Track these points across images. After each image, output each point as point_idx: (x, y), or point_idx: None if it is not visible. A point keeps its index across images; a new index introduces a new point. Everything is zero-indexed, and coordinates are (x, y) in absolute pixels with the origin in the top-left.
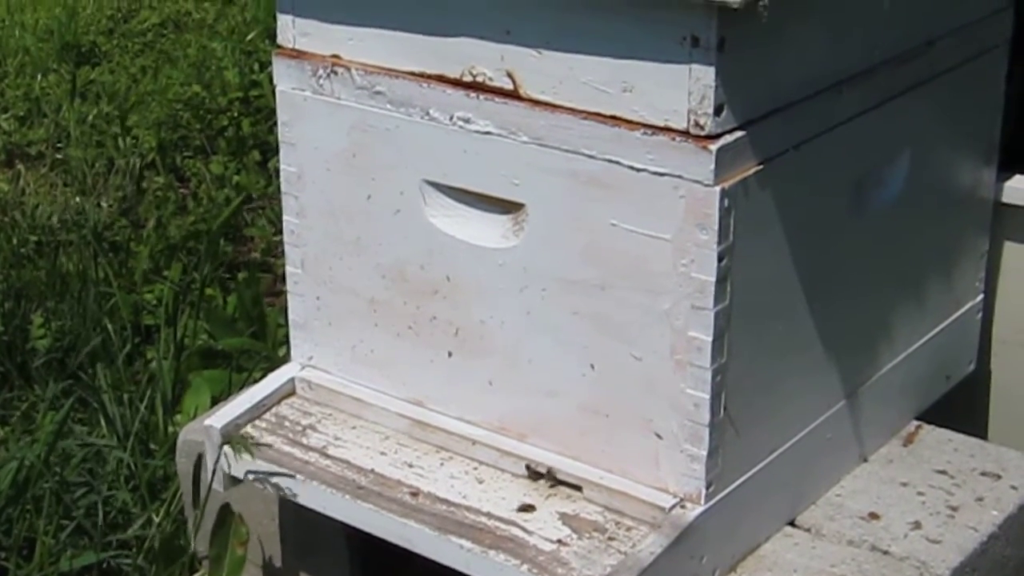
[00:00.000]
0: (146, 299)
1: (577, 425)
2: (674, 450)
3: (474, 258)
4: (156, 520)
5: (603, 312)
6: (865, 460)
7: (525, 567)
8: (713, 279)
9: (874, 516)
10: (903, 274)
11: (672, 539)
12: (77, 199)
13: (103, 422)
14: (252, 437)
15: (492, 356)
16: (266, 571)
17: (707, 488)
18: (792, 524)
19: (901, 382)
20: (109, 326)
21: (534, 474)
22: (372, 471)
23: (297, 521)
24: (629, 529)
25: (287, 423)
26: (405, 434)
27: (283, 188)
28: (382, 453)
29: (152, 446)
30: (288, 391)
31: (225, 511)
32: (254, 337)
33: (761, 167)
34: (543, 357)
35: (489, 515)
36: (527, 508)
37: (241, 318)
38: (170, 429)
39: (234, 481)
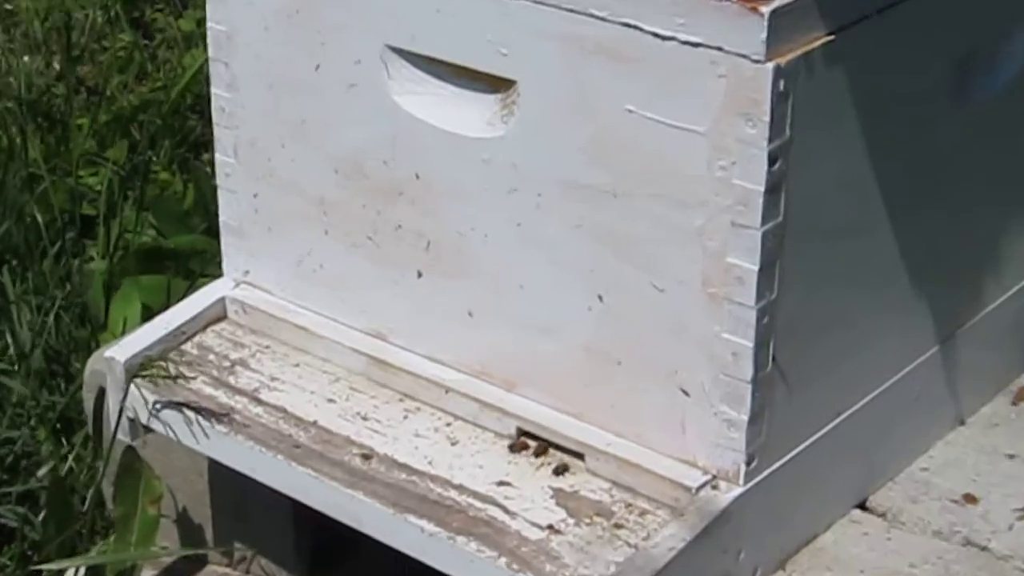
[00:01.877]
0: (87, 184)
1: (580, 373)
2: (705, 412)
3: (450, 150)
4: (68, 466)
5: (615, 227)
6: (962, 423)
7: (502, 560)
8: (761, 188)
9: (970, 499)
10: (1014, 186)
11: (699, 530)
12: (25, 58)
13: (10, 339)
14: (166, 372)
15: (473, 279)
16: (190, 538)
17: (748, 463)
18: (862, 507)
19: (1010, 324)
20: (38, 216)
21: (524, 436)
22: (315, 424)
23: (230, 479)
24: (643, 514)
25: (212, 357)
26: (361, 376)
27: (210, 52)
28: (330, 401)
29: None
30: (216, 315)
31: (131, 462)
32: (210, 235)
33: (831, 38)
34: (537, 283)
35: (461, 488)
36: (509, 483)
37: (198, 212)
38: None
39: (145, 430)
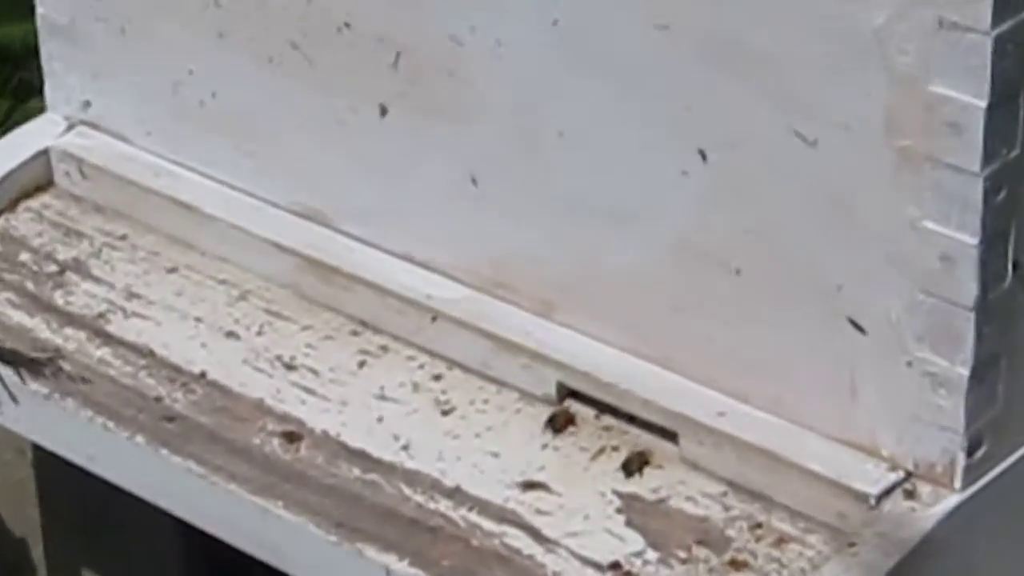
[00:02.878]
0: None
1: (668, 288)
2: (893, 360)
3: None
4: None
5: (730, 29)
6: None
7: None
8: None
9: None
10: None
11: (887, 569)
12: None
13: None
14: None
15: (476, 120)
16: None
17: (969, 451)
18: None
19: None
20: None
21: (570, 398)
22: (203, 378)
23: (71, 471)
24: (780, 543)
25: (26, 256)
26: (285, 290)
27: None
28: (229, 335)
29: None
30: (33, 180)
31: None
32: None
33: None
34: (591, 128)
35: (460, 495)
36: (539, 485)
37: None
38: None
39: None
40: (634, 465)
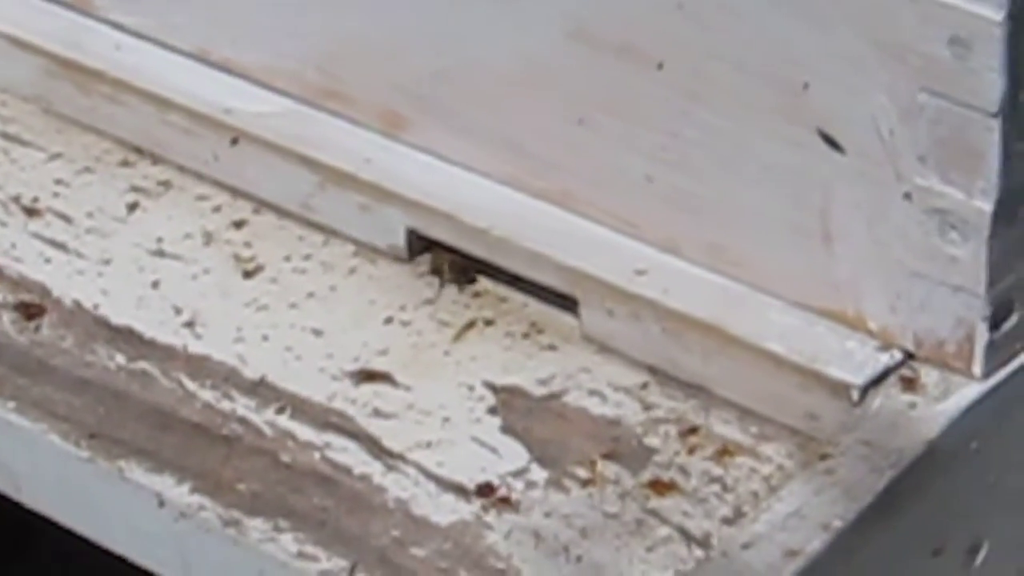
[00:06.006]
0: None
1: (564, 93)
2: (885, 194)
3: None
4: None
5: None
6: None
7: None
8: None
9: None
10: None
11: (867, 502)
12: None
13: None
14: None
15: None
16: None
17: (994, 322)
18: None
19: None
20: None
21: (421, 253)
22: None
23: None
24: (723, 454)
25: None
26: (28, 103)
27: None
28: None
29: None
30: None
31: None
32: None
33: None
34: None
35: (264, 391)
36: (379, 375)
37: None
38: None
39: None
40: (514, 345)
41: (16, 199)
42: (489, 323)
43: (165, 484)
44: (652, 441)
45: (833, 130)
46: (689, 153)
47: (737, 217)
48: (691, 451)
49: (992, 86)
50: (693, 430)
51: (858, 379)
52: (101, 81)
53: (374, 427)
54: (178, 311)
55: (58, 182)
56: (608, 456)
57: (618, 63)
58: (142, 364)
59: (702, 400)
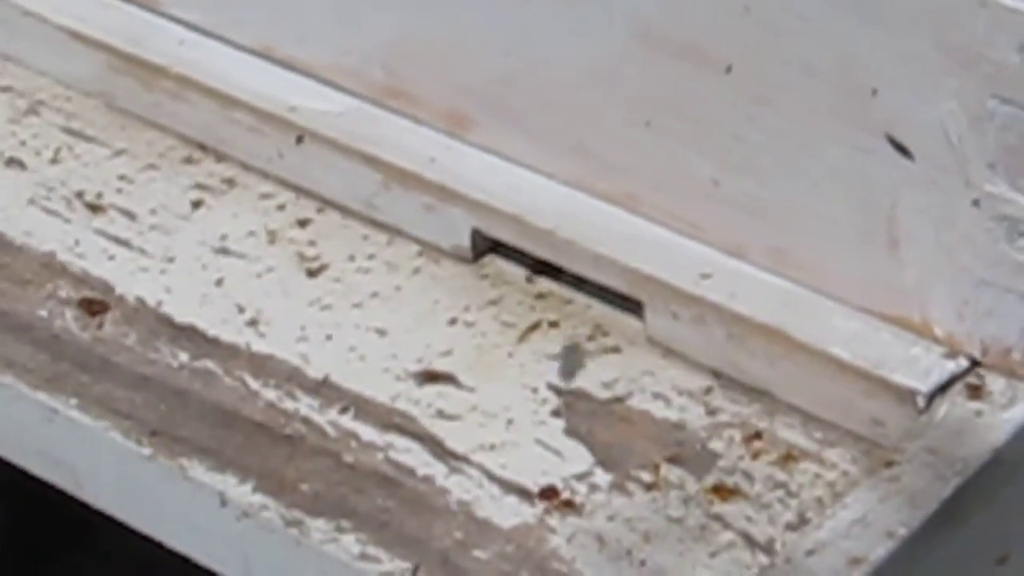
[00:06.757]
0: None
1: (632, 96)
2: (953, 200)
3: None
4: None
5: None
6: None
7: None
8: None
9: None
10: None
11: (932, 509)
12: None
13: None
14: None
15: None
16: None
17: None
18: None
19: None
20: None
21: (486, 253)
22: None
23: None
24: (788, 460)
25: None
26: (91, 98)
27: None
28: (11, 163)
29: None
30: None
31: None
32: None
33: None
34: None
35: (327, 391)
36: (443, 376)
37: None
38: None
39: None
40: (580, 350)
41: (80, 195)
42: (553, 325)
43: (227, 483)
44: (716, 445)
45: (901, 136)
46: (755, 157)
47: (803, 222)
48: (755, 456)
49: None
50: (757, 435)
51: (924, 386)
52: (165, 77)
53: (437, 428)
54: (241, 309)
55: (122, 178)
56: (672, 460)
57: (685, 66)
58: (205, 362)
59: (766, 405)
